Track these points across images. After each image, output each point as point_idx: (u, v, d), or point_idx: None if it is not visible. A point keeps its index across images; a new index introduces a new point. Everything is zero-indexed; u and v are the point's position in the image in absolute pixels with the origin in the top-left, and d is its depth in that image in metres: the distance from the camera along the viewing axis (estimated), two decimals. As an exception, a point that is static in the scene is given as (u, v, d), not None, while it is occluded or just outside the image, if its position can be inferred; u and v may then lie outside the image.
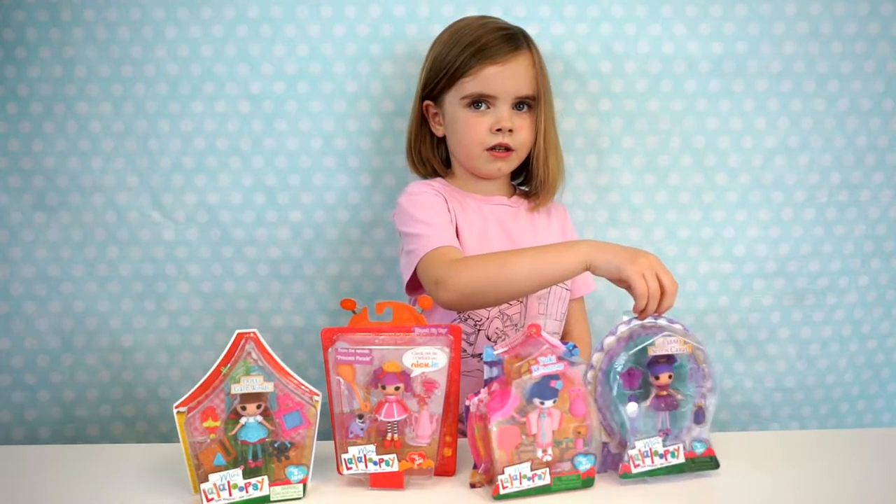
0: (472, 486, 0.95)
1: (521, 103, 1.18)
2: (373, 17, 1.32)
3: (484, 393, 0.93)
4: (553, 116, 1.22)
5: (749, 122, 1.36)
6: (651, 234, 1.38)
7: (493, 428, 0.91)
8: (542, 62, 1.20)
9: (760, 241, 1.39)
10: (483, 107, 1.17)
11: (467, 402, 0.94)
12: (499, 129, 1.16)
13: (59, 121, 1.32)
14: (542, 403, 0.92)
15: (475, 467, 0.95)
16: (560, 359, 0.93)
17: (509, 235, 1.21)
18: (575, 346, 0.95)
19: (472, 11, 1.30)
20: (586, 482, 0.95)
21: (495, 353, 0.94)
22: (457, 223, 1.19)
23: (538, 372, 0.91)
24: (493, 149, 1.18)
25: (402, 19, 1.32)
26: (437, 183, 1.24)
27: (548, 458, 0.93)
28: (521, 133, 1.18)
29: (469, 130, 1.18)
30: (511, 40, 1.17)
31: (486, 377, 0.94)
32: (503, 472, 0.91)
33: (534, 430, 0.93)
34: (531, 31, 1.30)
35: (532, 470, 0.92)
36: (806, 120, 1.36)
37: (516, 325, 1.19)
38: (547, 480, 0.93)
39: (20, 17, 1.29)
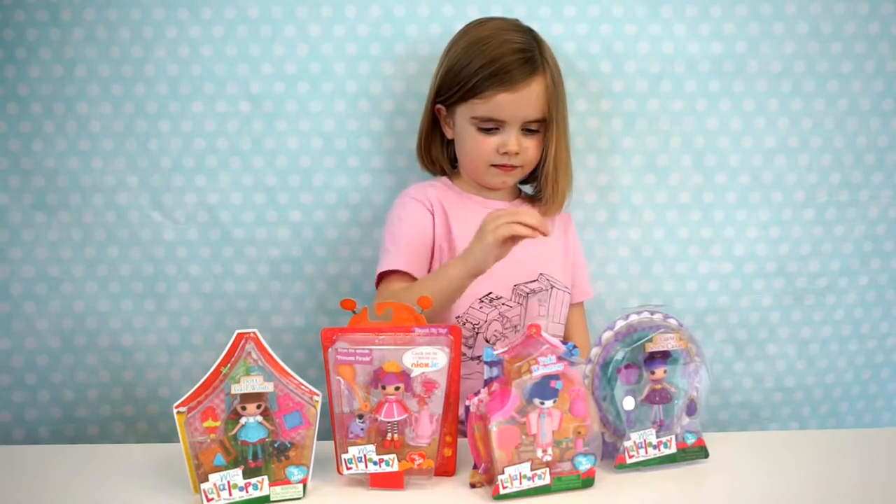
0: (472, 486, 0.95)
1: (531, 124, 1.19)
2: (373, 17, 1.32)
3: (484, 393, 0.93)
4: (565, 134, 1.23)
5: (749, 122, 1.36)
6: (651, 234, 1.38)
7: (493, 428, 0.91)
8: (558, 79, 1.21)
9: (760, 241, 1.39)
10: (492, 128, 1.18)
11: (467, 402, 0.94)
12: (505, 152, 1.18)
13: (59, 121, 1.32)
14: (542, 403, 0.92)
15: (475, 467, 0.95)
16: (560, 359, 0.93)
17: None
18: (575, 346, 0.95)
19: (472, 11, 1.30)
20: (586, 482, 0.95)
21: (495, 353, 0.94)
22: (450, 227, 1.21)
23: (538, 372, 0.91)
24: (499, 165, 1.20)
25: (402, 19, 1.32)
26: (436, 186, 1.26)
27: (548, 458, 0.93)
28: (528, 153, 1.20)
29: (476, 149, 1.20)
30: (528, 64, 1.17)
31: (486, 377, 0.94)
32: (503, 472, 0.92)
33: (534, 430, 0.93)
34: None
35: (532, 470, 0.93)
36: (806, 120, 1.36)
37: (516, 327, 1.20)
38: (547, 480, 0.93)
39: (20, 17, 1.29)
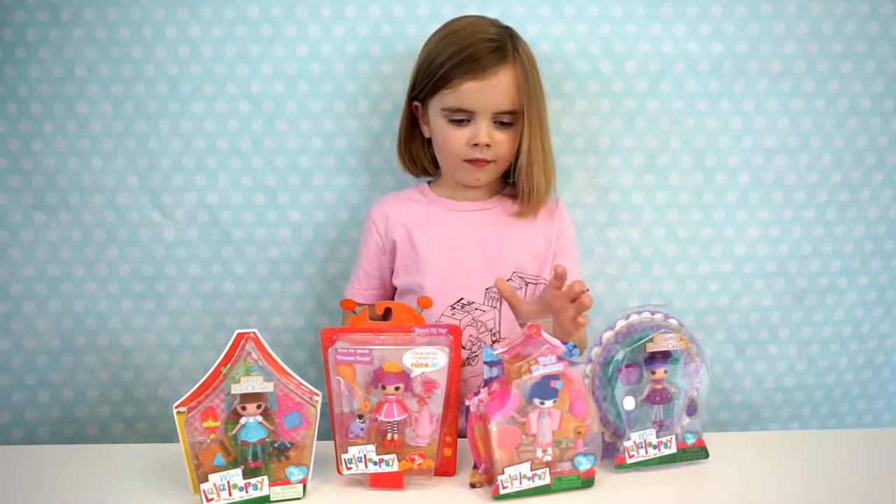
0: (472, 486, 0.95)
1: (502, 116, 1.17)
2: (373, 17, 1.32)
3: (484, 393, 0.93)
4: (542, 128, 1.20)
5: (749, 122, 1.36)
6: (651, 234, 1.38)
7: (493, 428, 0.91)
8: (531, 72, 1.18)
9: (760, 241, 1.39)
10: (462, 120, 1.17)
11: (467, 402, 0.94)
12: (475, 144, 1.17)
13: (59, 121, 1.32)
14: (542, 403, 0.92)
15: (475, 467, 0.95)
16: (560, 359, 0.93)
17: (481, 241, 1.22)
18: (575, 346, 0.95)
19: (472, 11, 1.30)
20: (586, 482, 0.95)
21: (495, 353, 0.94)
22: (414, 239, 1.22)
23: (538, 372, 0.91)
24: (471, 160, 1.18)
25: (402, 19, 1.32)
26: (405, 197, 1.27)
27: (548, 458, 0.93)
28: (501, 147, 1.18)
29: (447, 142, 1.18)
30: (496, 52, 1.15)
31: (485, 377, 0.94)
32: (503, 472, 0.92)
33: (534, 430, 0.93)
34: (531, 31, 1.30)
35: (532, 470, 0.93)
36: (806, 120, 1.36)
37: (492, 330, 1.19)
38: (547, 480, 0.93)
39: (20, 17, 1.29)
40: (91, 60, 1.31)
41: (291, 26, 1.32)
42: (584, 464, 0.94)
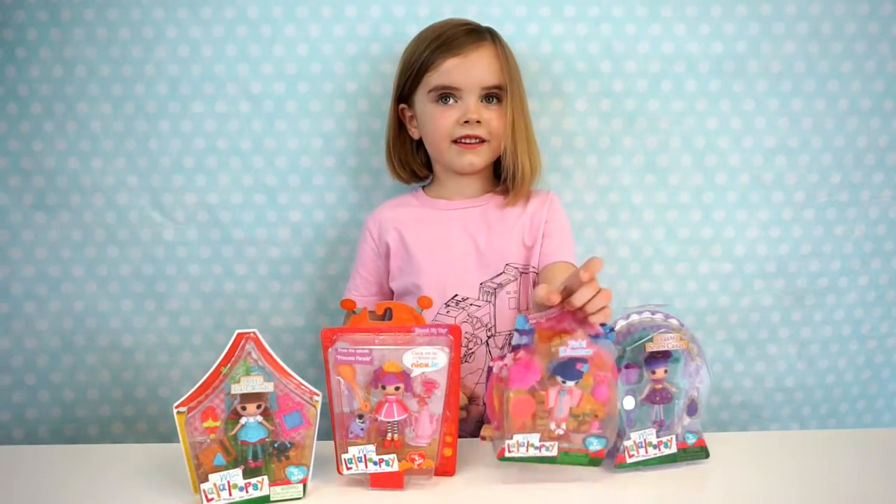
0: (483, 438, 0.96)
1: (489, 96, 1.18)
2: (373, 17, 1.32)
3: (509, 358, 0.93)
4: (524, 109, 1.21)
5: (749, 122, 1.36)
6: (651, 234, 1.38)
7: (511, 395, 0.91)
8: (510, 56, 1.20)
9: (760, 241, 1.39)
10: (450, 101, 1.18)
11: (491, 364, 0.94)
12: (466, 122, 1.17)
13: (59, 121, 1.32)
14: (564, 382, 0.92)
15: (488, 422, 0.96)
16: (591, 343, 0.92)
17: (473, 237, 1.22)
18: (612, 329, 0.95)
19: (472, 11, 1.30)
20: (594, 461, 0.94)
21: (528, 322, 0.93)
22: (406, 240, 1.22)
23: (564, 353, 0.91)
24: (460, 141, 1.18)
25: (401, 19, 1.32)
26: (398, 204, 1.27)
27: (560, 431, 0.93)
28: (492, 123, 1.18)
29: (436, 123, 1.19)
30: (472, 33, 1.18)
31: (514, 343, 0.94)
32: (511, 438, 0.92)
33: (551, 404, 0.93)
34: (531, 31, 1.31)
35: (541, 441, 0.93)
36: (806, 120, 1.36)
37: (487, 325, 1.19)
38: (553, 453, 0.93)
39: (20, 17, 1.29)
40: (91, 60, 1.31)
41: (291, 26, 1.32)
42: (594, 444, 0.94)
